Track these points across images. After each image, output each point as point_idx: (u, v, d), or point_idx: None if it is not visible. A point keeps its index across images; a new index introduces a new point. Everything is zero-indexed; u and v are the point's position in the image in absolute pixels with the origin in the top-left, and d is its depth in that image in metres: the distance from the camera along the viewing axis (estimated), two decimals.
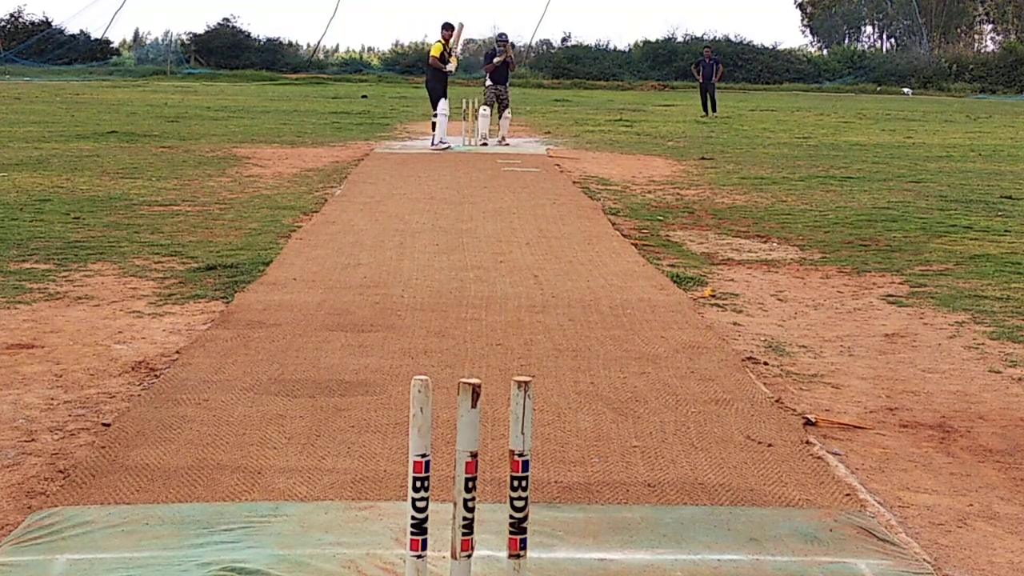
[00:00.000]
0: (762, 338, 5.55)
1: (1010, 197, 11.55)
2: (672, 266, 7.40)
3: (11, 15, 52.19)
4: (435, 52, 16.65)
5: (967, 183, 12.84)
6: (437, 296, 6.18)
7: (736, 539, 3.10)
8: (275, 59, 51.49)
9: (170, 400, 4.21)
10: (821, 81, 52.32)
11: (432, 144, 16.50)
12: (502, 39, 18.71)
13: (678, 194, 11.52)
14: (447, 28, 17.09)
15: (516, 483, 2.38)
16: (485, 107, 17.77)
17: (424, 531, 2.46)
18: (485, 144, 17.21)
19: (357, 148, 16.18)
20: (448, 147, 16.38)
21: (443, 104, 16.33)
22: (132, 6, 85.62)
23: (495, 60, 18.07)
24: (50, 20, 52.06)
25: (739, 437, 3.94)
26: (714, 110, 27.14)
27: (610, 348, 5.14)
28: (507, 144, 17.24)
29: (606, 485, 3.47)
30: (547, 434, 3.90)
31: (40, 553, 2.92)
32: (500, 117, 17.71)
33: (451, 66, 16.76)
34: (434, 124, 16.63)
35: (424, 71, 19.09)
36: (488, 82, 18.12)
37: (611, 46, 55.53)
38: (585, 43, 55.28)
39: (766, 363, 5.07)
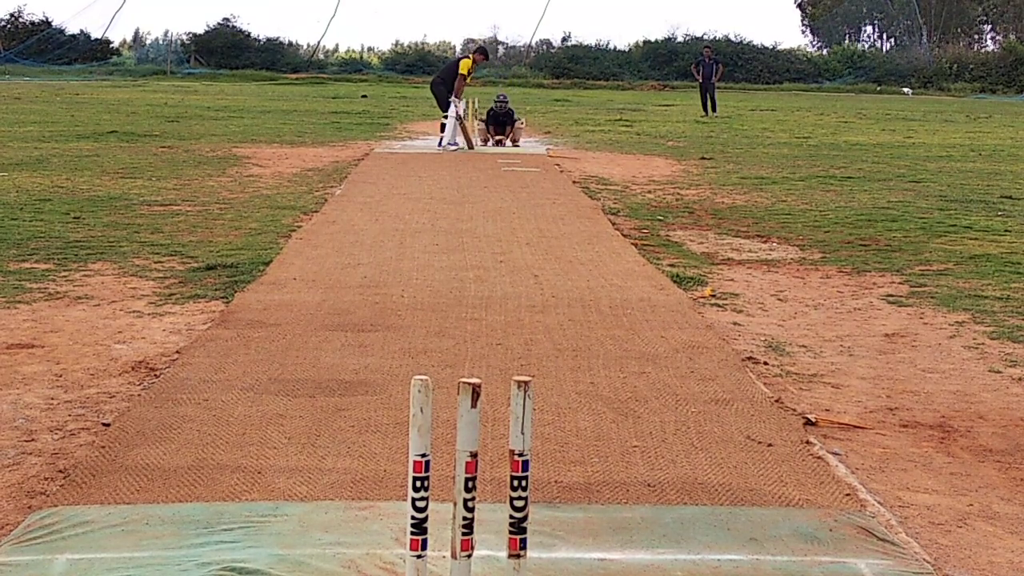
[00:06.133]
0: (762, 338, 5.55)
1: (1010, 197, 11.55)
2: (672, 266, 7.40)
3: (11, 15, 52.33)
4: (463, 69, 16.66)
5: (967, 183, 12.84)
6: (437, 296, 6.18)
7: (736, 539, 3.10)
8: (275, 59, 51.52)
9: (170, 400, 4.21)
10: (821, 81, 52.31)
11: (440, 145, 16.53)
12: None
13: (678, 194, 11.52)
14: (481, 53, 17.63)
15: (516, 483, 2.38)
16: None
17: (424, 531, 2.46)
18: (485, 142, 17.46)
19: (357, 148, 16.18)
20: (459, 147, 16.40)
21: (454, 107, 16.35)
22: (132, 6, 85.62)
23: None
24: (50, 20, 52.17)
25: (739, 437, 3.94)
26: (714, 110, 27.13)
27: (610, 348, 5.14)
28: (517, 145, 17.22)
29: (606, 485, 3.47)
30: (547, 434, 3.90)
31: (40, 553, 2.91)
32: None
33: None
34: (443, 125, 16.67)
35: (432, 73, 19.16)
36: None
37: (611, 46, 55.62)
38: (585, 43, 55.35)
39: (766, 363, 5.07)
